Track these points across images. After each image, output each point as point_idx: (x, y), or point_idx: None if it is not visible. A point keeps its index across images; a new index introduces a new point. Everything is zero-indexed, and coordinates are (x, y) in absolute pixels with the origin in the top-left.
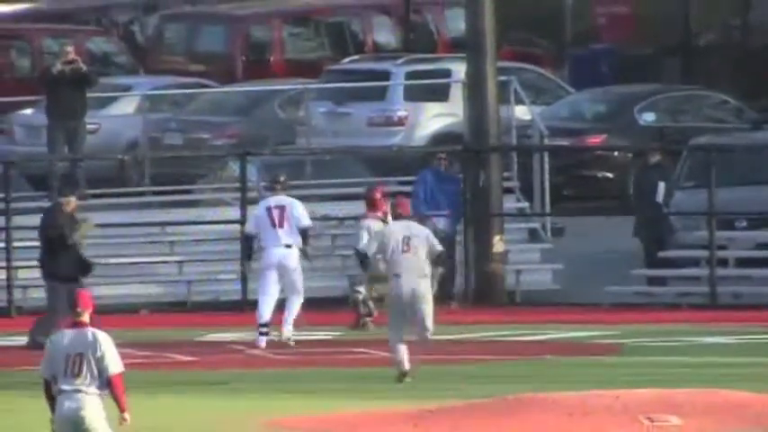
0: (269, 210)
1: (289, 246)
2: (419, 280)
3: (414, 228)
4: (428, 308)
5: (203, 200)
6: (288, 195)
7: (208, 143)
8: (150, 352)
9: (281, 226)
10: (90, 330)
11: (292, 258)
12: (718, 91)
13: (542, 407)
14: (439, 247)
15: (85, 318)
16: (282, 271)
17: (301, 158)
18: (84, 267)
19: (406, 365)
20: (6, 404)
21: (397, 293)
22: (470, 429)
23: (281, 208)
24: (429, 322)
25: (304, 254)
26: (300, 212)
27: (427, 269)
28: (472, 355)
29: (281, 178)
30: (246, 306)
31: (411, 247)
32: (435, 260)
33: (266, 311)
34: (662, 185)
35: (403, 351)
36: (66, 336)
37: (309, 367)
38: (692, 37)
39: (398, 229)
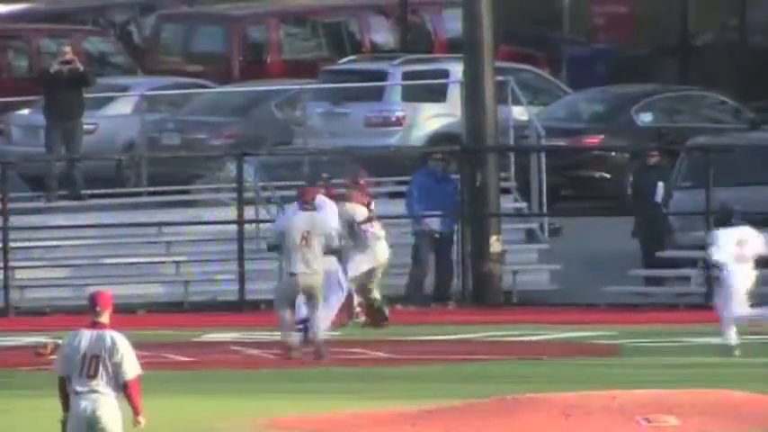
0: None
1: None
2: (314, 277)
3: (316, 220)
4: (319, 306)
5: (201, 200)
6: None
7: (205, 143)
8: (147, 352)
9: None
10: (109, 333)
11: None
12: (715, 91)
13: (540, 407)
14: (335, 244)
15: (104, 318)
16: None
17: (299, 159)
18: None
19: (295, 340)
20: (2, 405)
21: (292, 289)
22: (468, 429)
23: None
24: (319, 323)
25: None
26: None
27: (321, 264)
28: (469, 355)
29: (324, 175)
30: (244, 306)
31: (308, 243)
32: (328, 252)
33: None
34: (661, 186)
35: (290, 324)
36: (84, 336)
37: (307, 367)
38: (689, 37)
39: (300, 224)
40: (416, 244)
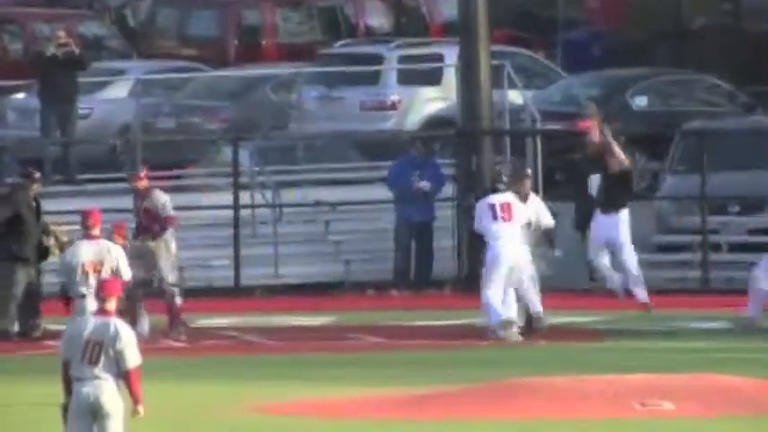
0: (492, 207)
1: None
2: None
3: None
4: None
5: (196, 185)
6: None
7: (200, 127)
8: (142, 338)
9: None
10: (113, 321)
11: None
12: (710, 75)
13: (535, 392)
14: None
15: (110, 306)
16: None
17: (294, 143)
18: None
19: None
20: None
21: None
22: (464, 414)
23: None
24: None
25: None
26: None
27: None
28: (465, 340)
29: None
30: (239, 292)
31: None
32: None
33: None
34: (595, 178)
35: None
36: (89, 322)
37: (302, 353)
38: (684, 21)
39: None
40: (396, 231)
